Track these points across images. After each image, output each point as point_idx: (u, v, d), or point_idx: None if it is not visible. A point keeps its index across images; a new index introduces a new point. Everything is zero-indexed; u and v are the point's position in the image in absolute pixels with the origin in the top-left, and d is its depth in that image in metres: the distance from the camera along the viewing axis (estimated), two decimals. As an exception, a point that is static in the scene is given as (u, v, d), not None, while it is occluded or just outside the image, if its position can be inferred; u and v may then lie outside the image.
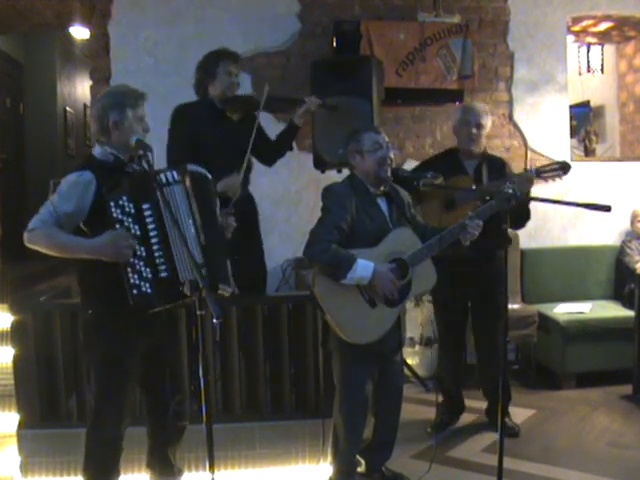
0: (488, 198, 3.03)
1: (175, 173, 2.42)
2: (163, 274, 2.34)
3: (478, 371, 3.78)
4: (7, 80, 6.73)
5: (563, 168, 3.33)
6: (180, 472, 2.83)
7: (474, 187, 3.43)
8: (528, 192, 3.35)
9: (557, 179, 3.36)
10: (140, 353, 2.53)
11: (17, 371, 3.12)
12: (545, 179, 3.35)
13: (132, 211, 2.33)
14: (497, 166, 3.58)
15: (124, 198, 2.32)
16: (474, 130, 3.51)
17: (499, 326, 3.49)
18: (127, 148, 2.45)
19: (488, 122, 3.58)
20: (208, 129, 3.36)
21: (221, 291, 2.49)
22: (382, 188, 2.92)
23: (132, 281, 2.31)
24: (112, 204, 2.31)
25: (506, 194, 2.71)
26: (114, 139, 2.46)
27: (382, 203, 2.93)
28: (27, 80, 7.16)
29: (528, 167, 3.46)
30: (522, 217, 3.49)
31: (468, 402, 3.84)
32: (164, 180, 2.38)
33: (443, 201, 3.46)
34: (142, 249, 2.33)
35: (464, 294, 3.60)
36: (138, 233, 2.33)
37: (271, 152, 3.62)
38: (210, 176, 2.63)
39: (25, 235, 2.37)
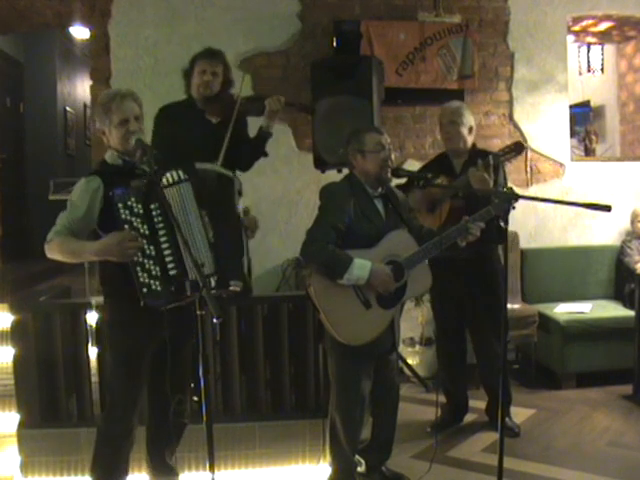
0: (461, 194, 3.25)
1: (181, 172, 2.44)
2: (172, 272, 2.36)
3: (478, 371, 3.79)
4: (7, 80, 6.73)
5: (517, 149, 3.39)
6: (177, 475, 2.83)
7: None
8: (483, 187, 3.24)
9: (513, 160, 3.47)
10: (152, 350, 2.56)
11: (17, 371, 3.12)
12: (503, 162, 3.41)
13: (140, 211, 2.35)
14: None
15: (132, 199, 2.34)
16: (448, 128, 3.58)
17: (495, 326, 3.41)
18: (127, 151, 2.49)
19: (464, 118, 3.55)
20: (187, 130, 3.29)
21: (232, 287, 2.51)
22: (380, 189, 2.91)
23: (142, 280, 2.33)
24: (120, 205, 2.33)
25: (506, 194, 2.70)
26: (110, 145, 2.52)
27: (379, 204, 2.91)
28: (27, 80, 7.16)
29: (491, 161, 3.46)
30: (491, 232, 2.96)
31: (469, 402, 3.83)
32: (170, 179, 2.41)
33: (426, 203, 3.49)
34: (151, 248, 2.35)
35: (459, 294, 3.60)
36: (147, 232, 2.35)
37: (247, 158, 3.46)
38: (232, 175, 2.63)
39: (45, 247, 2.46)
